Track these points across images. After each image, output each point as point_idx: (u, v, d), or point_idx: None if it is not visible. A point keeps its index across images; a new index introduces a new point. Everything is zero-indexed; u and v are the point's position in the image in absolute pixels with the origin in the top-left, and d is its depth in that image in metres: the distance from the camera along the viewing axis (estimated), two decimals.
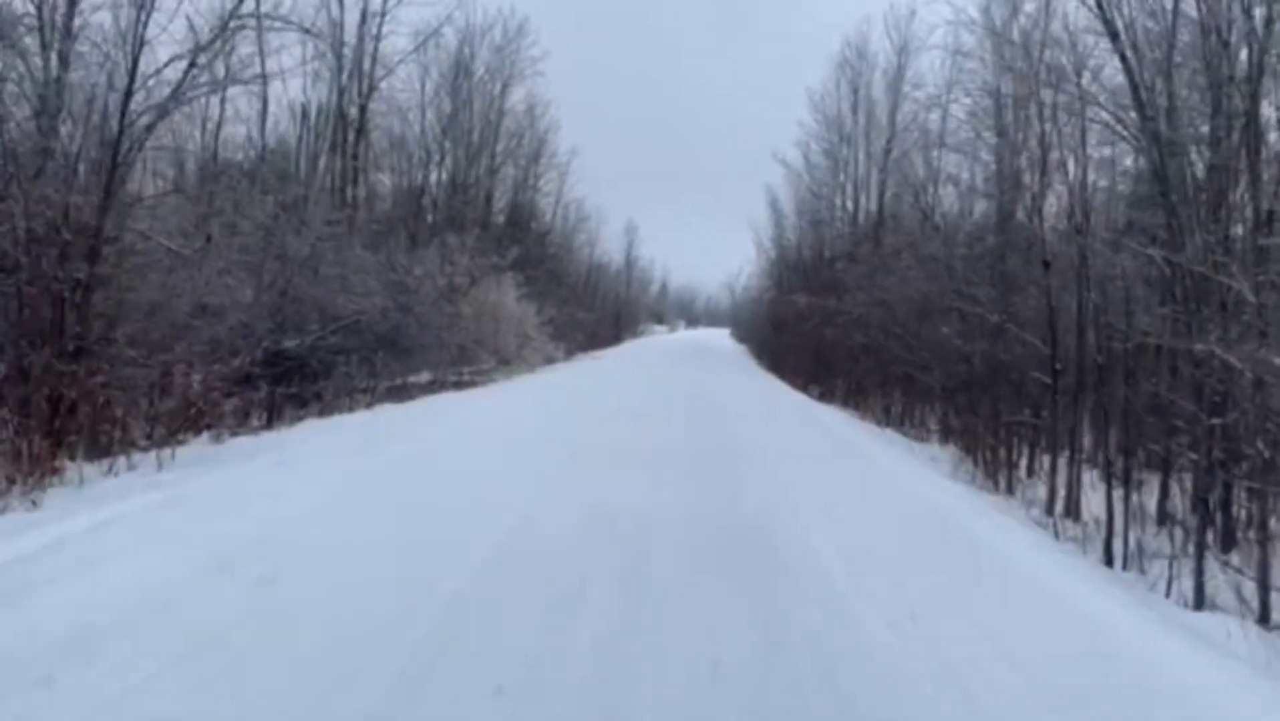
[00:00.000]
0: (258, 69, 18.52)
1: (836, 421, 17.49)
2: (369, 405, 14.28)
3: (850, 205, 33.63)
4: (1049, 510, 13.50)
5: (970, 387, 18.80)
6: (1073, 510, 13.62)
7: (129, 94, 9.09)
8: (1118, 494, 16.07)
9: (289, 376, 14.94)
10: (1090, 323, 13.64)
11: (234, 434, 10.86)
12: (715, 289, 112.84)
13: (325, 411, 13.65)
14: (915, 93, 31.47)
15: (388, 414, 12.78)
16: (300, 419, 12.40)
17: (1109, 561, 9.53)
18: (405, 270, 18.30)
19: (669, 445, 10.96)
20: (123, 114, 8.99)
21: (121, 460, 8.07)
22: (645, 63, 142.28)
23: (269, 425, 11.76)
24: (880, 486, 9.59)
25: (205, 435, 10.69)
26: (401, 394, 17.12)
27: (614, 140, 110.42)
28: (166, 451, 8.74)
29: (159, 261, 11.15)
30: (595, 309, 50.28)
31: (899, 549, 6.57)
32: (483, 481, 8.24)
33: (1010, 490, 15.39)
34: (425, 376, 20.11)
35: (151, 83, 10.04)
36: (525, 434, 11.38)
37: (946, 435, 20.11)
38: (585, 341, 40.00)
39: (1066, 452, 16.14)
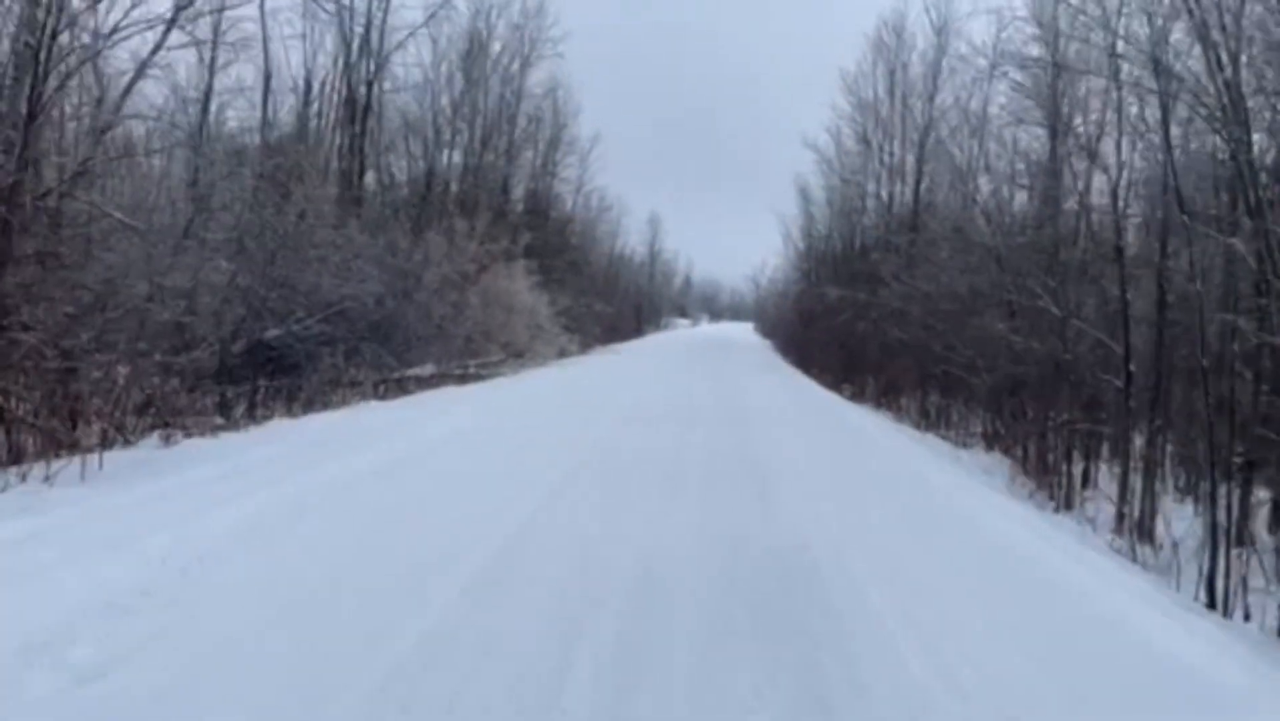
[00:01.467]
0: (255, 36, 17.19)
1: (873, 426, 15.90)
2: (356, 401, 12.86)
3: (885, 193, 31.92)
4: (1120, 529, 11.93)
5: (1022, 389, 17.15)
6: (1145, 531, 12.07)
7: (53, 33, 7.66)
8: (1190, 509, 14.31)
9: (268, 368, 13.60)
10: (1166, 320, 12.03)
11: (189, 434, 9.47)
12: (739, 282, 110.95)
13: (306, 407, 12.26)
14: (955, 75, 29.79)
15: (370, 413, 11.29)
16: (269, 416, 11.00)
17: (1211, 602, 8.08)
18: (406, 256, 16.88)
19: (687, 460, 9.44)
20: (39, 57, 7.55)
21: (14, 471, 6.66)
22: (670, 48, 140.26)
23: (234, 424, 10.37)
24: (938, 513, 8.02)
25: (156, 435, 9.31)
26: (398, 388, 15.72)
27: (638, 129, 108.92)
28: (110, 455, 7.36)
29: (110, 236, 9.78)
30: (615, 301, 48.77)
31: (982, 611, 4.98)
32: (459, 504, 6.75)
33: (1068, 504, 13.82)
34: (429, 369, 18.72)
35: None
36: (521, 445, 9.59)
37: (992, 440, 18.48)
38: (604, 334, 38.51)
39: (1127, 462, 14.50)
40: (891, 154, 32.08)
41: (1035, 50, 19.33)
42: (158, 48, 15.26)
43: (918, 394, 22.71)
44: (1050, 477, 14.70)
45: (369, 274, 15.30)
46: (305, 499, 6.46)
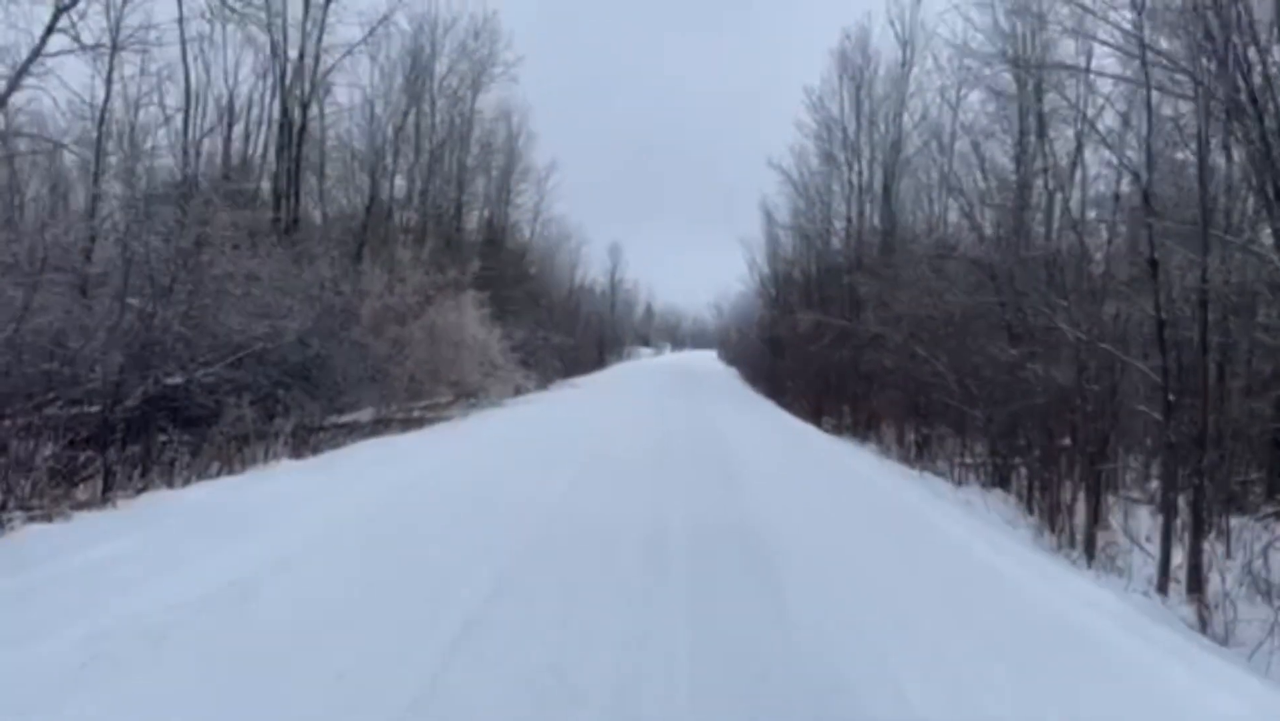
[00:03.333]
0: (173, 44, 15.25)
1: (867, 467, 14.17)
2: (269, 460, 10.83)
3: (854, 214, 30.47)
4: (1161, 586, 10.27)
5: (1028, 420, 15.54)
6: (1196, 585, 10.45)
7: None
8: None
9: (171, 422, 11.59)
10: (1209, 341, 10.48)
11: (33, 515, 7.43)
12: (701, 310, 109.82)
13: (201, 472, 10.25)
14: (924, 92, 28.55)
15: (272, 479, 9.13)
16: (149, 486, 8.96)
17: None
18: (335, 288, 14.92)
19: (662, 525, 7.58)
20: None
21: None
22: (626, 74, 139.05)
23: (98, 500, 8.32)
24: (982, 589, 6.25)
25: None
26: (325, 440, 13.73)
27: (596, 158, 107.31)
28: None
29: None
30: (576, 333, 46.95)
31: None
32: (327, 660, 4.55)
33: (1089, 551, 12.19)
34: (367, 414, 16.74)
35: None
36: (445, 526, 7.13)
37: (995, 477, 16.84)
38: (566, 367, 36.58)
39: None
40: (860, 172, 30.74)
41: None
42: (36, 54, 13.35)
43: (904, 425, 21.07)
44: (1061, 517, 13.08)
45: (292, 310, 13.35)
46: (116, 645, 4.36)
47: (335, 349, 14.33)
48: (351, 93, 24.35)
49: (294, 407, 12.54)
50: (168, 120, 17.61)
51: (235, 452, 10.60)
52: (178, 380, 12.03)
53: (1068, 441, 14.55)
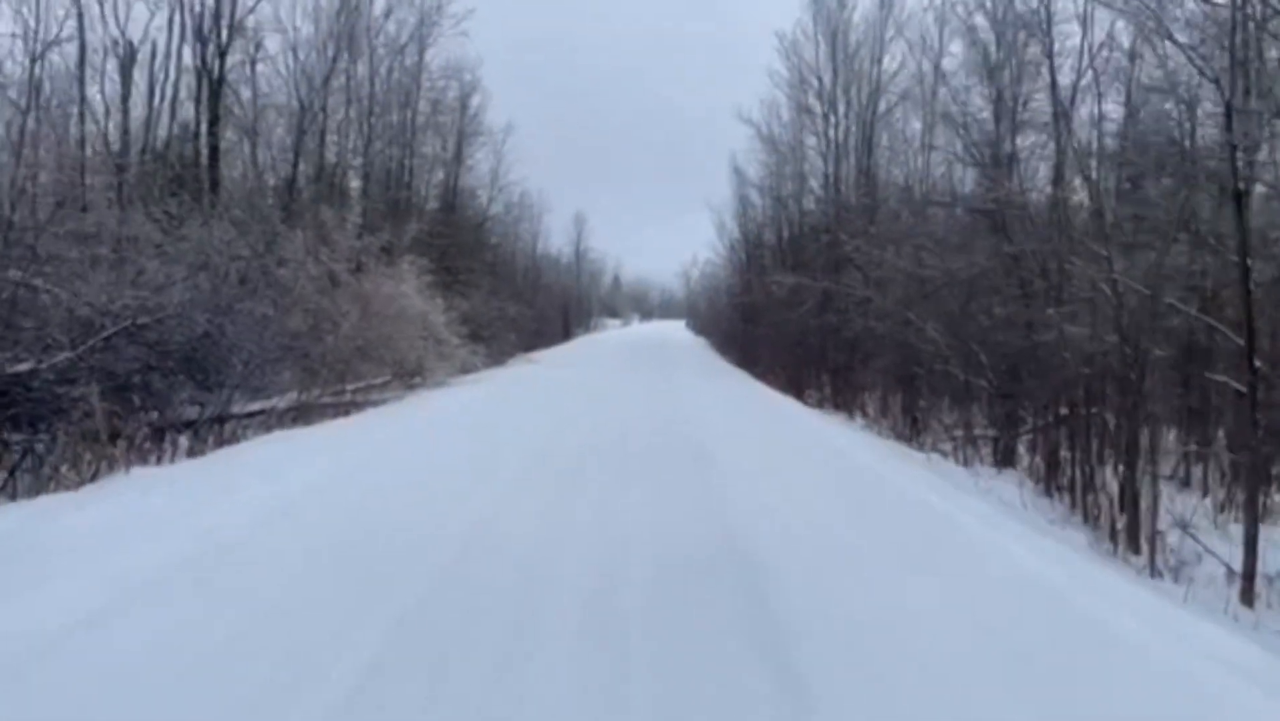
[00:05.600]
0: None
1: (865, 450, 12.07)
2: (121, 468, 8.46)
3: (833, 170, 28.27)
4: (1246, 597, 8.32)
5: (1040, 390, 13.55)
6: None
7: None
8: None
9: (18, 420, 9.31)
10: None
11: None
12: (669, 280, 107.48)
13: (32, 488, 7.94)
14: (904, 33, 26.33)
15: (100, 502, 6.82)
16: None
17: None
18: (229, 251, 12.48)
19: (617, 559, 5.43)
20: None
21: None
22: (583, 28, 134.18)
23: None
24: (1087, 666, 4.13)
25: None
26: (223, 431, 11.46)
27: (555, 123, 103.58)
28: None
29: None
30: (538, 304, 44.57)
31: None
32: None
33: (1133, 543, 10.25)
34: (287, 400, 14.43)
35: None
36: (306, 575, 5.08)
37: (1005, 455, 14.86)
38: (527, 339, 34.15)
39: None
40: (837, 124, 28.52)
41: None
42: None
43: (895, 398, 19.07)
44: (1097, 505, 11.13)
45: (172, 278, 11.03)
46: None
47: (234, 325, 11.96)
48: (273, 39, 21.69)
49: (170, 396, 10.22)
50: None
51: (79, 459, 8.26)
52: (27, 365, 9.71)
53: (1094, 412, 12.63)
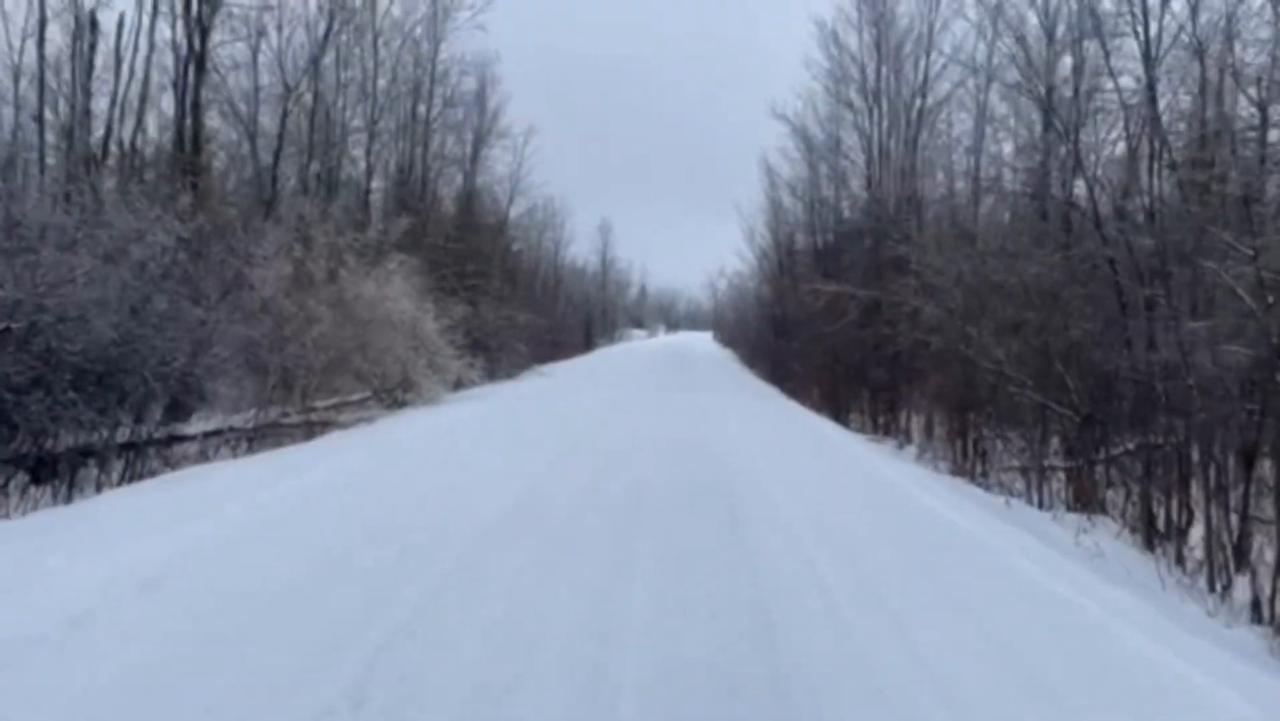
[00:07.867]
0: None
1: (936, 500, 9.59)
2: None
3: (876, 170, 25.83)
4: None
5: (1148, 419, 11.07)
6: None
7: None
8: None
9: None
10: None
11: None
12: (696, 291, 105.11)
13: None
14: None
15: None
16: None
17: None
18: (148, 238, 10.25)
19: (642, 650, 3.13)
20: None
21: None
22: (609, 41, 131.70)
23: None
24: None
25: None
26: (141, 465, 9.31)
27: (585, 130, 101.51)
28: None
29: None
30: (557, 313, 42.40)
31: None
32: None
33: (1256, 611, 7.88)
34: (239, 419, 12.34)
35: None
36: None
37: (1082, 494, 12.35)
38: (540, 352, 31.83)
39: None
40: (880, 120, 26.08)
41: None
42: None
43: (952, 421, 16.57)
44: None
45: (77, 272, 8.91)
46: None
47: (166, 331, 9.79)
48: (262, 16, 19.68)
49: (59, 419, 8.04)
50: None
51: None
52: None
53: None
